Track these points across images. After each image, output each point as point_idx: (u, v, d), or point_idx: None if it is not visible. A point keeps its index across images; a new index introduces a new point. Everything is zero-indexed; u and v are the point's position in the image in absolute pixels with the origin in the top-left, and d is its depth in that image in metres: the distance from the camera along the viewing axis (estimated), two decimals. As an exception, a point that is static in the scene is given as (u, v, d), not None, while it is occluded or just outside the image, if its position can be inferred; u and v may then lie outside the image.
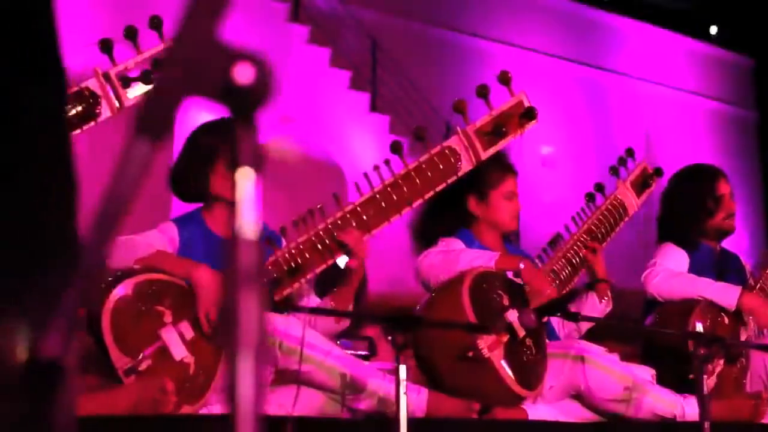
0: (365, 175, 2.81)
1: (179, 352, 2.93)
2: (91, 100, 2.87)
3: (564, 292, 3.23)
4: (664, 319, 3.56)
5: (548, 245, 3.37)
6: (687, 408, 3.16)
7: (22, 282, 0.89)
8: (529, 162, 10.23)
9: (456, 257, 3.12)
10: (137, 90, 2.85)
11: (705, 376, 2.74)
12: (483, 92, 2.79)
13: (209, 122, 3.07)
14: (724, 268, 3.77)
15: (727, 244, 3.91)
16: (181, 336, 2.93)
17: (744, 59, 14.72)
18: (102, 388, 2.87)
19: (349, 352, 3.38)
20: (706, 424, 2.68)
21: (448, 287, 3.06)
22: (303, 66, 9.43)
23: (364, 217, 2.81)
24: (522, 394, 3.06)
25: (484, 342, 2.96)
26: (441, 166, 2.77)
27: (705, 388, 2.73)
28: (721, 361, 3.47)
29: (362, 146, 9.93)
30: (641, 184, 3.67)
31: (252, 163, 0.76)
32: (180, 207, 3.51)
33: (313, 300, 3.05)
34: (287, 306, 2.83)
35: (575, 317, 3.04)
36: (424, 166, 2.78)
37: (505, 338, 3.00)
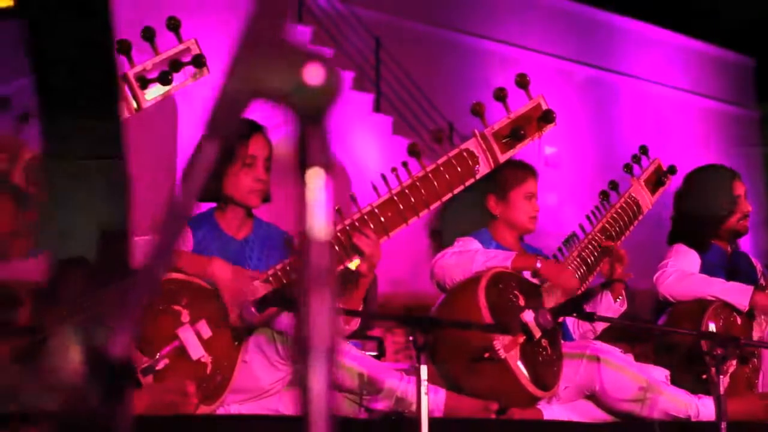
0: (383, 176, 2.81)
1: (196, 351, 2.93)
2: (108, 101, 2.86)
3: (579, 291, 3.24)
4: (676, 319, 3.57)
5: (563, 244, 3.38)
6: (702, 408, 3.17)
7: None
8: (532, 162, 10.12)
9: (471, 257, 3.12)
10: (155, 91, 2.84)
11: (722, 377, 2.75)
12: (501, 95, 2.79)
13: None
14: (735, 268, 3.77)
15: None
16: (198, 335, 2.93)
17: (745, 59, 14.73)
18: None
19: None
20: (723, 425, 2.69)
21: (465, 288, 3.06)
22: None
23: (382, 219, 2.81)
24: (537, 394, 3.06)
25: (500, 342, 2.96)
26: (459, 169, 2.77)
27: (721, 388, 2.73)
28: (734, 362, 3.47)
29: (365, 147, 9.93)
30: (655, 182, 3.68)
31: (322, 163, 0.76)
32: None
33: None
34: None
35: (591, 317, 3.05)
36: (441, 168, 2.78)
37: (521, 339, 3.00)
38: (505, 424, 3.01)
